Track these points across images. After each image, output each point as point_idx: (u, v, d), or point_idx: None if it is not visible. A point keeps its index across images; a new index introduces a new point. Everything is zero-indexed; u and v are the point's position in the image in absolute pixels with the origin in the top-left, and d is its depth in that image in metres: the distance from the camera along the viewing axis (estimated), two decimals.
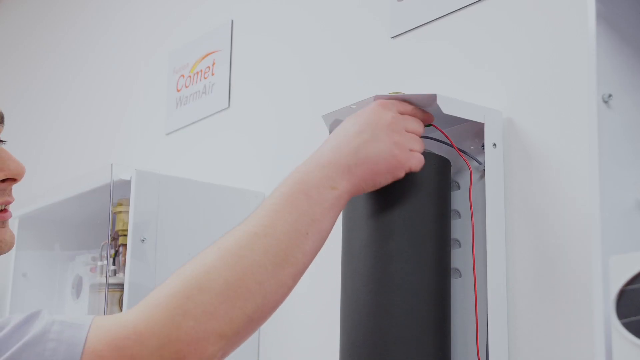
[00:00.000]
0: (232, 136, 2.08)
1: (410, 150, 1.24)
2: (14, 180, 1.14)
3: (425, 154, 1.39)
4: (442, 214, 1.40)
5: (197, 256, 1.07)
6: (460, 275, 1.45)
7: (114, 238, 1.86)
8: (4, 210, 1.14)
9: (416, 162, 1.25)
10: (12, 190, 1.16)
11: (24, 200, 2.01)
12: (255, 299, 1.04)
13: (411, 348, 1.33)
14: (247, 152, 2.02)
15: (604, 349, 0.97)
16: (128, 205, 1.79)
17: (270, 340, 1.85)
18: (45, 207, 2.08)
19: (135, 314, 1.01)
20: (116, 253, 1.86)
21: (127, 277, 1.74)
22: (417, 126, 1.27)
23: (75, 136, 2.79)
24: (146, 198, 1.78)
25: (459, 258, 1.45)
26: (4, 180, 1.14)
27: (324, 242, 1.15)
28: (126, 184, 1.79)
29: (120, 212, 1.85)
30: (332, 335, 1.47)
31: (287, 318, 1.81)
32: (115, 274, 1.84)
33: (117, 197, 1.84)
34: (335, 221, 1.16)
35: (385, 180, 1.22)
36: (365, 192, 1.22)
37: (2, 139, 1.15)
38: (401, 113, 1.25)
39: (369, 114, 1.21)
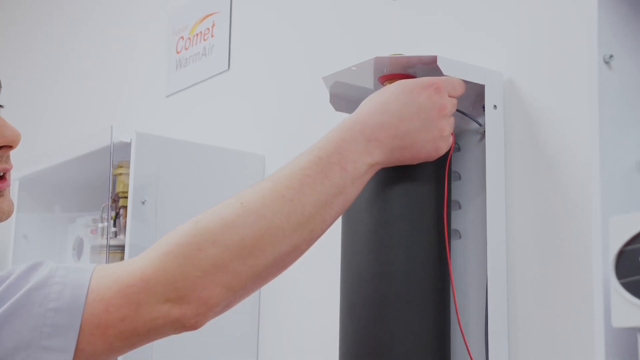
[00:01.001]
0: (232, 98, 2.08)
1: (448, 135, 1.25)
2: (9, 147, 1.13)
3: None
4: (442, 176, 1.40)
5: (217, 206, 1.07)
6: (460, 237, 1.45)
7: (115, 200, 1.86)
8: (2, 179, 1.13)
9: (448, 146, 1.26)
10: (11, 157, 1.15)
11: (24, 162, 2.01)
12: (267, 259, 1.05)
13: (411, 309, 1.34)
14: (247, 114, 2.02)
15: (603, 308, 0.98)
16: (128, 167, 1.79)
17: (270, 306, 1.86)
18: (46, 169, 2.08)
19: (144, 261, 1.02)
20: (117, 215, 1.86)
21: (127, 239, 1.75)
22: (454, 108, 1.26)
23: (76, 99, 2.78)
24: (146, 160, 1.78)
25: (459, 220, 1.45)
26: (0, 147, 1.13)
27: (345, 211, 1.16)
28: (126, 146, 1.79)
29: (120, 174, 1.85)
30: (332, 303, 1.47)
31: (287, 284, 1.82)
32: (115, 235, 1.85)
33: (117, 159, 1.84)
34: (360, 191, 1.17)
35: (418, 161, 1.24)
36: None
37: (1, 104, 1.14)
38: (450, 96, 1.24)
39: (425, 100, 1.19)
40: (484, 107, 1.40)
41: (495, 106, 1.40)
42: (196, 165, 1.85)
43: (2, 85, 1.16)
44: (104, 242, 1.84)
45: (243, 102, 2.04)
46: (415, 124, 1.17)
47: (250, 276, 1.04)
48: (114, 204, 1.86)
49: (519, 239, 1.38)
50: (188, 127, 2.17)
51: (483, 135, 1.41)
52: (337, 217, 1.14)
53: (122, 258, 1.78)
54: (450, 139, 1.25)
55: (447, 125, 1.22)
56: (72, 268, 1.02)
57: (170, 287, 1.00)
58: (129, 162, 1.78)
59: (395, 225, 1.35)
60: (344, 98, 1.49)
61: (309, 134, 1.84)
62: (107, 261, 1.81)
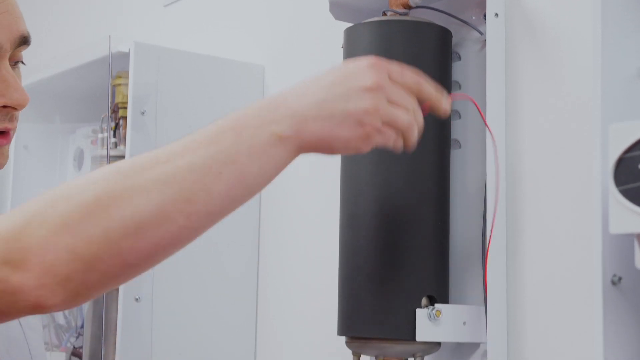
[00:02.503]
0: (231, 8, 2.05)
1: (386, 124, 0.99)
2: (14, 109, 1.10)
3: (425, 24, 1.38)
4: (443, 85, 1.40)
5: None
6: (460, 147, 1.45)
7: (114, 111, 1.86)
8: (4, 135, 1.10)
9: (385, 141, 1.00)
10: (16, 116, 1.11)
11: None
12: (125, 222, 0.88)
13: (410, 218, 1.35)
14: (246, 24, 2.00)
15: (601, 215, 0.98)
16: (127, 77, 1.78)
17: (271, 237, 1.88)
18: (44, 79, 2.07)
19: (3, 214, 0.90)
20: (116, 126, 1.86)
21: (128, 150, 1.75)
22: (406, 101, 1.00)
23: (74, 7, 2.75)
24: (145, 70, 1.77)
25: (459, 129, 1.45)
26: (4, 107, 1.10)
27: (249, 191, 0.96)
28: (125, 56, 1.77)
29: (119, 84, 1.84)
30: (332, 234, 1.48)
31: (287, 213, 1.83)
32: (116, 146, 1.85)
33: (116, 69, 1.83)
34: (271, 172, 0.95)
35: (344, 148, 0.99)
36: (318, 153, 0.99)
37: (23, 61, 1.12)
38: (393, 80, 1.00)
39: (351, 69, 0.98)
40: (485, 16, 1.39)
41: (496, 14, 1.39)
42: (195, 76, 1.84)
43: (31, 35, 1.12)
44: (105, 152, 1.84)
45: (242, 11, 2.02)
46: (336, 90, 0.96)
47: (102, 241, 0.87)
48: (113, 115, 1.86)
49: (519, 148, 1.39)
50: (187, 37, 2.15)
51: (484, 44, 1.41)
52: (236, 194, 0.95)
53: None
54: (388, 134, 1.00)
55: (379, 108, 0.98)
56: None
57: (11, 245, 0.87)
58: (127, 72, 1.77)
59: None
60: (344, 6, 1.47)
61: (309, 44, 1.83)
62: None
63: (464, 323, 1.35)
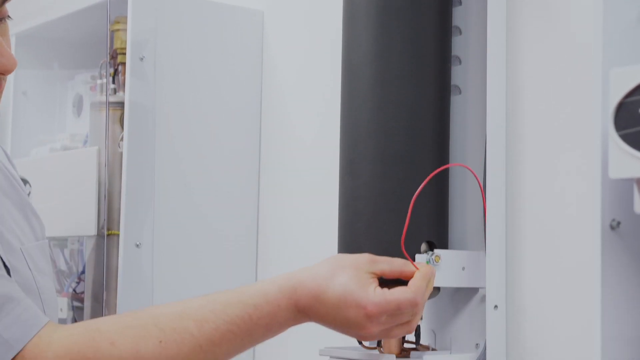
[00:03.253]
0: None
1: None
2: (1, 74, 1.12)
3: None
4: (443, 30, 1.39)
5: (137, 328, 1.09)
6: (460, 92, 1.45)
7: (113, 56, 1.85)
8: None
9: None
10: (4, 79, 1.13)
11: (20, 17, 1.99)
12: None
13: (411, 165, 1.35)
14: None
15: (601, 160, 0.98)
16: (126, 23, 1.77)
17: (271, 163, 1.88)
18: (43, 25, 2.06)
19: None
20: (115, 72, 1.85)
21: (127, 96, 1.75)
22: (403, 327, 1.17)
23: None
24: (144, 16, 1.76)
25: (459, 75, 1.44)
26: None
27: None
28: (123, 1, 1.76)
29: (118, 30, 1.83)
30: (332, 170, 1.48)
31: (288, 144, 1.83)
32: (115, 92, 1.84)
33: (114, 14, 1.81)
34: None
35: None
36: None
37: (9, 15, 1.12)
38: (390, 316, 1.15)
39: (352, 317, 1.14)
40: None
41: None
42: (194, 21, 1.83)
43: None
44: (104, 98, 1.84)
45: None
46: (338, 327, 1.15)
47: None
48: (112, 61, 1.85)
49: (519, 94, 1.38)
50: None
51: None
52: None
53: (121, 115, 1.78)
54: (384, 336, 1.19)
55: (369, 339, 1.20)
56: (21, 318, 1.06)
57: None
58: (126, 17, 1.76)
59: (395, 82, 1.35)
60: None
61: None
62: (107, 117, 1.81)
63: (463, 268, 1.36)
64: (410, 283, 1.15)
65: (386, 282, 1.15)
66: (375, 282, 1.15)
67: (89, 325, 1.09)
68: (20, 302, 1.07)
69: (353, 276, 1.14)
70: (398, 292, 1.13)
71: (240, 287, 1.15)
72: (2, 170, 1.22)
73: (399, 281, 1.15)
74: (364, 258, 1.17)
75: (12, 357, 1.04)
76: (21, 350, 1.04)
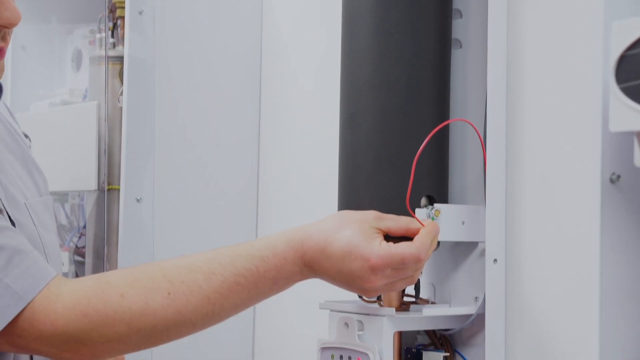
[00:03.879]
0: None
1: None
2: (5, 27, 1.11)
3: None
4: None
5: (147, 280, 1.10)
6: (461, 46, 1.44)
7: (112, 10, 1.84)
8: None
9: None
10: (9, 33, 1.14)
11: None
12: (165, 342, 1.12)
13: (411, 119, 1.35)
14: None
15: (601, 113, 0.98)
16: None
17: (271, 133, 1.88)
18: None
19: (69, 309, 1.07)
20: (114, 26, 1.84)
21: (126, 50, 1.74)
22: (405, 279, 1.18)
23: None
24: None
25: (460, 28, 1.44)
26: None
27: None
28: None
29: None
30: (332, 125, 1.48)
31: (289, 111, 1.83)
32: (114, 46, 1.84)
33: None
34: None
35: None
36: None
37: None
38: (394, 270, 1.16)
39: (356, 270, 1.14)
40: None
41: None
42: None
43: None
44: (103, 53, 1.83)
45: None
46: (342, 281, 1.16)
47: (141, 349, 1.12)
48: (111, 15, 1.84)
49: (520, 47, 1.38)
50: None
51: None
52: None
53: (121, 69, 1.77)
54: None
55: (373, 293, 1.18)
56: (30, 270, 1.07)
57: (70, 344, 1.07)
58: None
59: (395, 35, 1.34)
60: None
61: None
62: (107, 72, 1.81)
63: (463, 222, 1.36)
64: (415, 238, 1.16)
65: (391, 239, 1.15)
66: (381, 237, 1.15)
67: (98, 278, 1.11)
68: (29, 254, 1.07)
69: (359, 230, 1.15)
70: (402, 247, 1.14)
71: (247, 241, 1.16)
72: (5, 126, 1.22)
73: (404, 239, 1.16)
74: (371, 214, 1.18)
75: (21, 308, 1.05)
76: (31, 301, 1.05)
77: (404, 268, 1.15)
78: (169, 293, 1.09)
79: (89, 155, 1.80)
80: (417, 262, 1.15)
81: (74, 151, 1.86)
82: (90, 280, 1.11)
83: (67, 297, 1.07)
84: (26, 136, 1.42)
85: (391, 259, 1.13)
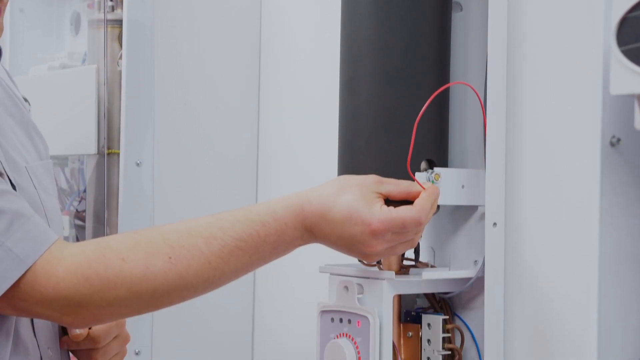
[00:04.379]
0: None
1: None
2: None
3: None
4: None
5: (147, 244, 1.10)
6: (461, 9, 1.43)
7: None
8: None
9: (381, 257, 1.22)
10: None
11: None
12: (167, 306, 1.12)
13: (411, 83, 1.35)
14: None
15: (602, 76, 0.98)
16: None
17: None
18: None
19: (70, 274, 1.07)
20: None
21: (125, 13, 1.73)
22: (406, 243, 1.18)
23: None
24: None
25: None
26: None
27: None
28: None
29: None
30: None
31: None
32: (113, 10, 1.82)
33: None
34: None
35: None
36: None
37: None
38: (396, 233, 1.16)
39: (357, 235, 1.14)
40: None
41: None
42: None
43: None
44: (101, 16, 1.82)
45: None
46: (343, 246, 1.16)
47: (142, 313, 1.12)
48: None
49: (520, 10, 1.37)
50: None
51: None
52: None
53: (120, 33, 1.77)
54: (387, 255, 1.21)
55: (374, 258, 1.19)
56: (31, 233, 1.06)
57: (72, 308, 1.07)
58: None
59: None
60: None
61: None
62: (105, 35, 1.80)
63: (463, 186, 1.36)
64: (415, 202, 1.16)
65: (392, 203, 1.15)
66: (381, 201, 1.15)
67: (99, 243, 1.11)
68: (30, 218, 1.07)
69: (359, 195, 1.15)
70: (403, 210, 1.14)
71: (248, 206, 1.16)
72: (5, 89, 1.22)
73: (405, 202, 1.16)
74: (371, 178, 1.18)
75: (23, 271, 1.05)
76: (32, 265, 1.05)
77: (404, 232, 1.15)
78: (170, 257, 1.09)
79: (88, 119, 1.80)
80: (418, 225, 1.15)
81: (73, 115, 1.85)
82: (91, 245, 1.11)
83: (68, 261, 1.07)
84: (25, 100, 1.42)
85: (392, 223, 1.14)
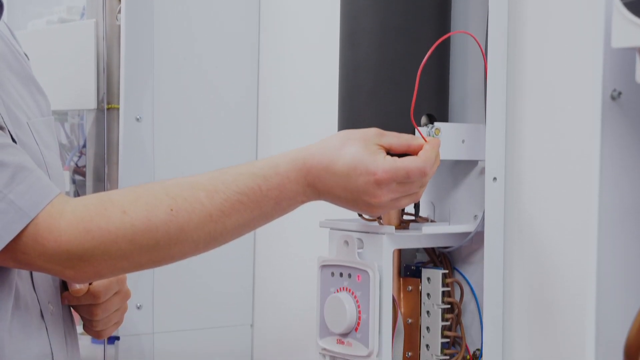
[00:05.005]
0: None
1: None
2: None
3: None
4: None
5: (149, 197, 1.10)
6: None
7: None
8: None
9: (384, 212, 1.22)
10: None
11: None
12: (168, 260, 1.12)
13: (411, 35, 1.34)
14: None
15: (604, 29, 0.97)
16: None
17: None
18: None
19: (71, 226, 1.07)
20: None
21: None
22: (411, 195, 1.19)
23: None
24: None
25: None
26: None
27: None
28: None
29: None
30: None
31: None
32: None
33: None
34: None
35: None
36: None
37: None
38: (401, 183, 1.16)
39: (361, 185, 1.14)
40: None
41: None
42: None
43: None
44: None
45: None
46: (348, 199, 1.16)
47: (146, 266, 1.12)
48: None
49: None
50: None
51: None
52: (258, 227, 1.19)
53: None
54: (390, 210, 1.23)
55: (379, 209, 1.18)
56: (34, 187, 1.07)
57: (74, 261, 1.07)
58: None
59: None
60: None
61: None
62: None
63: (463, 141, 1.36)
64: (419, 153, 1.17)
65: (393, 156, 1.15)
66: (384, 152, 1.15)
67: (101, 197, 1.11)
68: (33, 171, 1.08)
69: (362, 146, 1.15)
70: (408, 161, 1.15)
71: (251, 161, 1.16)
72: (7, 45, 1.21)
73: (405, 156, 1.16)
74: (372, 131, 1.18)
75: (25, 224, 1.05)
76: (34, 218, 1.06)
77: (409, 183, 1.16)
78: (171, 209, 1.09)
79: (87, 74, 1.79)
80: (423, 176, 1.16)
81: (72, 70, 1.85)
82: (93, 199, 1.12)
83: (70, 214, 1.08)
84: (24, 54, 1.41)
85: (396, 172, 1.14)
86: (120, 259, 1.09)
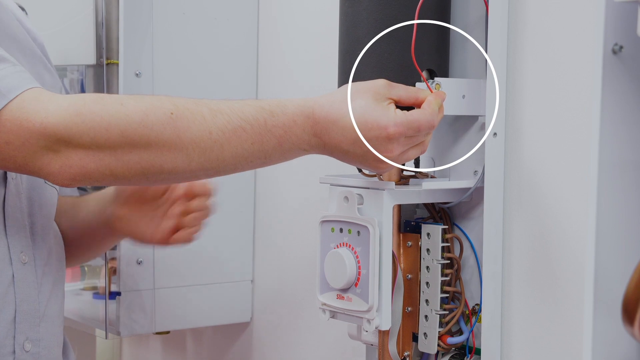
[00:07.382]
0: None
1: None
2: None
3: None
4: None
5: (151, 101, 1.07)
6: None
7: None
8: None
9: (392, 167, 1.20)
10: None
11: None
12: (158, 168, 1.07)
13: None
14: None
15: None
16: None
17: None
18: None
19: (61, 110, 1.04)
20: None
21: None
22: (419, 146, 1.18)
23: None
24: None
25: None
26: None
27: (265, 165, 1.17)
28: None
29: None
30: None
31: None
32: None
33: None
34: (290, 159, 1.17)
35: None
36: None
37: None
38: (407, 138, 1.15)
39: (371, 139, 1.12)
40: None
41: None
42: None
43: None
44: None
45: None
46: (356, 154, 1.14)
47: (131, 172, 1.07)
48: None
49: None
50: None
51: None
52: (256, 167, 1.16)
53: None
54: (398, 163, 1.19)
55: (388, 164, 1.16)
56: (18, 75, 1.05)
57: (59, 144, 1.03)
58: None
59: None
60: None
61: None
62: None
63: (463, 96, 1.36)
64: (424, 105, 1.16)
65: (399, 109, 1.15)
66: (394, 105, 1.14)
67: (101, 94, 1.11)
68: (17, 66, 1.07)
69: (372, 100, 1.13)
70: (417, 114, 1.14)
71: (260, 99, 1.15)
72: (19, 25, 1.21)
73: (410, 109, 1.16)
74: (381, 82, 1.16)
75: (2, 105, 1.04)
76: (17, 100, 1.04)
77: (417, 135, 1.15)
78: (171, 113, 1.06)
79: (86, 29, 1.78)
80: (430, 128, 1.15)
81: (71, 24, 1.83)
82: (93, 94, 1.10)
83: (62, 99, 1.05)
84: (22, 9, 1.41)
85: (408, 126, 1.13)
86: (108, 153, 1.05)
